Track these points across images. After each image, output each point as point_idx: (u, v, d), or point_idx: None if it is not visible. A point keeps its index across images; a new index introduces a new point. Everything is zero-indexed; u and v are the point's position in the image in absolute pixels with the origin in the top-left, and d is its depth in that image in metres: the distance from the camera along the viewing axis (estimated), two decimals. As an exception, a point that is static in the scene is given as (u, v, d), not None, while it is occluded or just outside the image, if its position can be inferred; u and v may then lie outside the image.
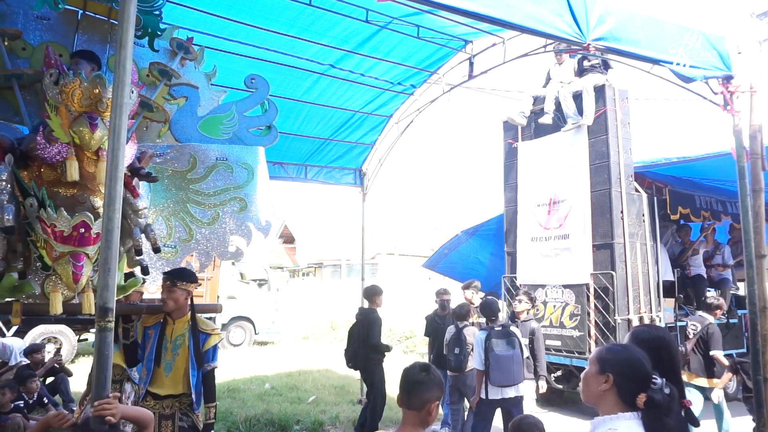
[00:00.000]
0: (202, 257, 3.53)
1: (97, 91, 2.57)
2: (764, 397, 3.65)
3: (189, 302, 3.32)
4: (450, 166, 58.63)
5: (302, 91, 6.74)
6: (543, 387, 5.21)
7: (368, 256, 21.00)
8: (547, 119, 7.22)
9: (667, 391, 1.61)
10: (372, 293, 5.84)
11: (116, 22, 3.45)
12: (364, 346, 5.61)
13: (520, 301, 5.46)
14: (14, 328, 9.24)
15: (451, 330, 5.70)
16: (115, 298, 3.33)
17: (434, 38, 6.21)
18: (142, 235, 3.09)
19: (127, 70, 2.13)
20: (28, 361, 6.42)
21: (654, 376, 1.65)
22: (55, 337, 9.49)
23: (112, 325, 2.04)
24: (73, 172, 2.63)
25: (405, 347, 12.22)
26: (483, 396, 4.78)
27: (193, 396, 3.20)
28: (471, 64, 6.66)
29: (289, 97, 6.72)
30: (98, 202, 2.82)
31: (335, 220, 27.05)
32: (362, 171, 8.65)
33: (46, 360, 6.40)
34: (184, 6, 4.93)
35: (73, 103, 2.58)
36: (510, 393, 4.78)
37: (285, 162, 8.05)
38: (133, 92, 2.76)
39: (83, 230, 2.65)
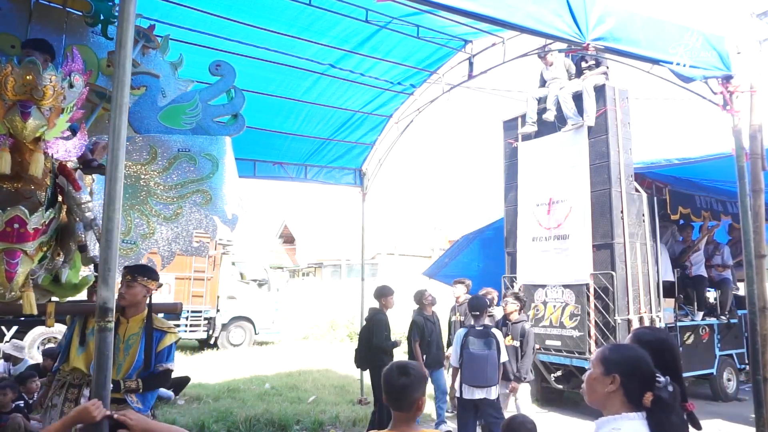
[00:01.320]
0: (164, 253, 3.34)
1: (30, 77, 2.38)
2: (764, 397, 3.65)
3: (147, 301, 3.17)
4: (450, 166, 58.63)
5: (302, 91, 6.74)
6: (518, 389, 5.21)
7: (368, 256, 21.00)
8: (549, 116, 7.22)
9: (670, 388, 1.61)
10: (381, 294, 5.80)
11: (73, 11, 3.33)
12: (369, 347, 5.60)
13: (506, 303, 5.48)
14: (14, 329, 9.26)
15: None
16: (69, 298, 3.29)
17: (434, 38, 6.21)
18: (89, 232, 2.93)
19: (127, 69, 2.13)
20: (40, 362, 6.43)
21: (657, 374, 1.64)
22: (55, 337, 9.48)
23: (112, 324, 2.04)
24: (2, 165, 2.46)
25: (405, 347, 12.22)
26: (458, 395, 4.78)
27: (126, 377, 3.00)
28: (471, 63, 6.66)
29: (289, 97, 6.73)
30: (44, 196, 2.69)
31: (335, 220, 27.06)
32: (362, 171, 8.65)
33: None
34: (185, 6, 4.93)
35: (7, 91, 2.39)
36: (479, 394, 4.65)
37: (285, 162, 8.05)
38: (78, 80, 2.60)
39: (18, 225, 2.51)
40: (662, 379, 1.63)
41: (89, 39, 3.42)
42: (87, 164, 2.96)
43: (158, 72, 3.48)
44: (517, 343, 5.26)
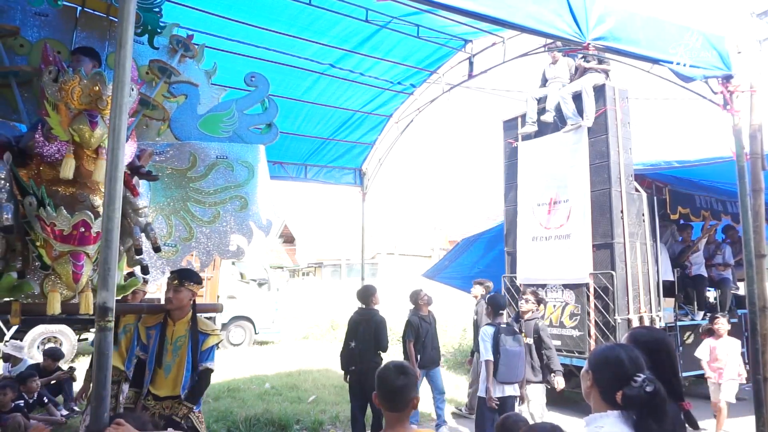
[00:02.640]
0: (202, 256, 3.50)
1: (97, 88, 2.54)
2: (764, 397, 3.65)
3: (191, 303, 3.29)
4: (450, 166, 58.60)
5: (302, 91, 6.74)
6: (561, 383, 5.10)
7: (368, 256, 21.00)
8: (548, 117, 7.22)
9: (649, 389, 1.60)
10: (368, 294, 5.65)
11: (115, 19, 3.43)
12: (372, 348, 5.43)
13: (526, 301, 5.40)
14: (14, 329, 9.25)
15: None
16: (116, 298, 3.35)
17: (434, 38, 6.22)
18: (142, 235, 3.06)
19: (127, 69, 2.13)
20: (40, 361, 6.45)
21: (637, 374, 1.64)
22: (55, 337, 9.48)
23: (112, 324, 2.04)
24: (67, 170, 2.59)
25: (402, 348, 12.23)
26: (484, 394, 4.77)
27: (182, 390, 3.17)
28: (471, 63, 6.67)
29: (289, 96, 6.73)
30: (98, 200, 2.79)
31: (335, 220, 27.04)
32: (362, 171, 8.66)
33: (59, 368, 6.42)
34: (185, 6, 4.93)
35: (73, 100, 2.54)
36: (510, 390, 4.78)
37: (285, 162, 8.06)
38: (133, 90, 2.72)
39: (83, 229, 2.62)
40: (639, 378, 1.63)
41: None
42: (135, 170, 3.04)
43: (197, 81, 3.61)
44: (530, 341, 5.22)
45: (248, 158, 3.50)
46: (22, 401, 5.25)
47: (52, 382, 6.24)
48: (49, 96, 2.58)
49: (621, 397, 1.62)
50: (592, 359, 1.77)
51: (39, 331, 9.41)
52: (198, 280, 3.28)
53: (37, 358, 8.23)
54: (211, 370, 3.32)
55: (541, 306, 7.01)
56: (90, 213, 2.65)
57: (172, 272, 3.27)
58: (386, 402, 1.93)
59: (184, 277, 3.20)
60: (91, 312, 2.80)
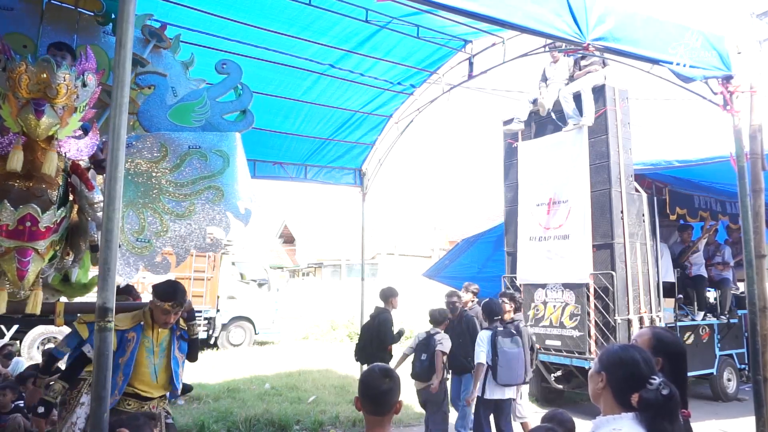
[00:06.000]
0: (178, 251, 3.37)
1: (45, 75, 2.41)
2: (764, 397, 3.65)
3: None
4: (450, 166, 58.56)
5: (302, 91, 6.73)
6: (523, 392, 5.20)
7: (368, 256, 20.98)
8: (542, 109, 7.20)
9: (665, 392, 1.59)
10: (388, 294, 5.88)
11: (85, 11, 3.38)
12: (373, 343, 5.66)
13: (503, 303, 5.40)
14: (14, 329, 9.25)
15: (420, 335, 5.58)
16: (78, 298, 3.32)
17: (434, 38, 6.21)
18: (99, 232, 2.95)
19: (127, 69, 2.13)
20: (40, 361, 6.44)
21: (653, 377, 1.63)
22: (55, 337, 9.49)
23: (112, 324, 2.04)
24: (14, 162, 2.47)
25: (406, 347, 12.23)
26: (480, 395, 4.77)
27: (176, 387, 3.24)
28: (471, 63, 6.65)
29: (289, 97, 6.72)
30: (56, 195, 2.71)
31: (335, 220, 27.04)
32: (362, 171, 8.65)
33: (59, 368, 6.41)
34: (184, 6, 4.93)
35: (20, 89, 2.41)
36: (509, 393, 4.79)
37: (285, 162, 8.05)
38: (91, 80, 2.61)
39: (29, 224, 2.53)
40: (655, 381, 1.62)
41: (101, 39, 3.45)
42: (98, 164, 2.98)
43: (168, 71, 3.52)
44: None
45: (223, 147, 3.37)
46: (22, 402, 5.24)
47: (51, 382, 6.23)
48: None
49: (638, 399, 1.60)
50: (605, 360, 1.73)
51: (39, 331, 9.42)
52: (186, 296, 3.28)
53: (37, 358, 8.23)
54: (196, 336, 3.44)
55: (541, 305, 7.02)
56: (37, 207, 2.54)
57: (165, 295, 3.13)
58: (370, 405, 1.91)
59: (183, 300, 3.16)
60: (38, 312, 2.74)
